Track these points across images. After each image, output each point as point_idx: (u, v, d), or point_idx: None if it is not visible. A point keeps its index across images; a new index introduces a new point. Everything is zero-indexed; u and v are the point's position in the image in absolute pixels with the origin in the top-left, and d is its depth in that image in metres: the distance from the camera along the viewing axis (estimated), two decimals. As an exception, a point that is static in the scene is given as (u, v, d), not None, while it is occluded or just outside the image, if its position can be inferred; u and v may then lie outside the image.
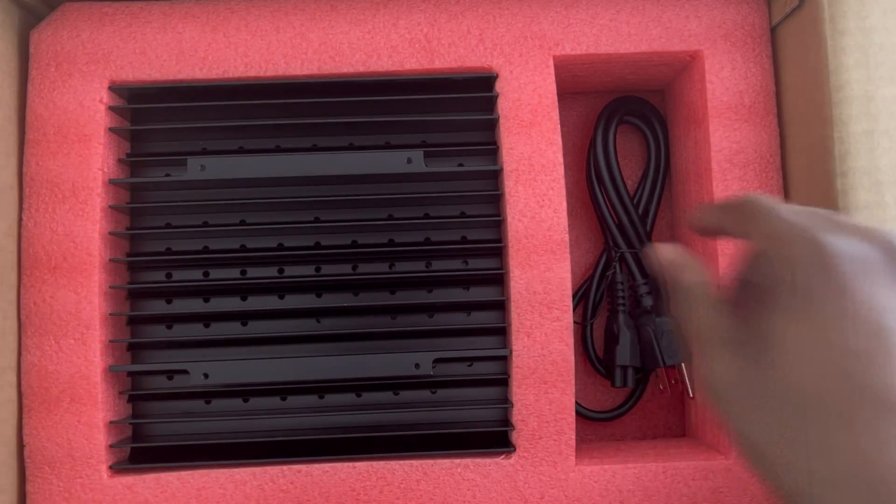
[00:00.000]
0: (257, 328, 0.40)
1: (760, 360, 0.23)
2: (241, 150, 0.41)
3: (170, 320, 0.40)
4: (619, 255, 0.43)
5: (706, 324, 0.26)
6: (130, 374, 0.39)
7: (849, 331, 0.21)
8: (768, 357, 0.23)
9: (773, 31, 0.39)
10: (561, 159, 0.38)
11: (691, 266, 0.27)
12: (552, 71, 0.38)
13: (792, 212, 0.24)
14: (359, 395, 0.40)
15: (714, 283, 0.27)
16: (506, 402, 0.39)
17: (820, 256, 0.22)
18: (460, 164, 0.40)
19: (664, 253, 0.28)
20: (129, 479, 0.36)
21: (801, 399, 0.22)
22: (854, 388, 0.21)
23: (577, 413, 0.42)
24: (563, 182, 0.38)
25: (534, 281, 0.37)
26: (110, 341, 0.37)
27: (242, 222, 0.40)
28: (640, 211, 0.43)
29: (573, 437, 0.37)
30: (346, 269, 0.40)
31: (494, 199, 0.40)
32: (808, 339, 0.22)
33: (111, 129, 0.38)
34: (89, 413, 0.36)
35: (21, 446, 0.36)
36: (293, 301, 0.40)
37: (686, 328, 0.26)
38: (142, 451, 0.38)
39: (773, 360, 0.23)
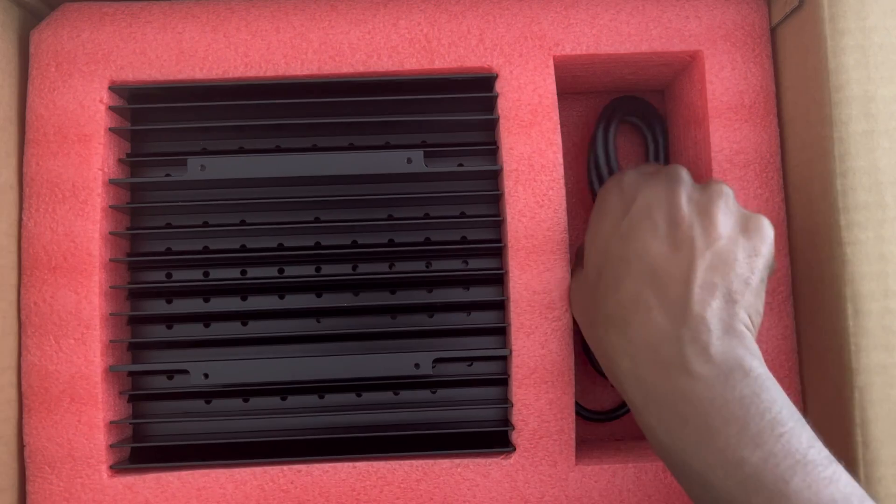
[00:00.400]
0: (257, 328, 0.40)
1: (580, 266, 0.35)
2: (241, 150, 0.41)
3: (170, 320, 0.40)
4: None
5: (574, 269, 0.37)
6: (131, 373, 0.39)
7: (622, 221, 0.32)
8: (583, 260, 0.34)
9: (772, 31, 0.39)
10: (561, 159, 0.38)
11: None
12: (552, 71, 0.38)
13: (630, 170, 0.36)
14: (359, 395, 0.40)
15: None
16: (506, 401, 0.39)
17: (616, 177, 0.35)
18: (460, 164, 0.40)
19: None
20: (130, 479, 0.36)
21: (595, 274, 0.33)
22: (620, 258, 0.31)
23: (577, 413, 0.42)
24: (562, 182, 0.38)
25: (534, 281, 0.37)
26: (110, 341, 0.37)
27: (242, 222, 0.40)
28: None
29: (573, 436, 0.37)
30: (346, 269, 0.40)
31: (494, 199, 0.40)
32: (600, 232, 0.33)
33: (111, 129, 0.38)
34: (89, 413, 0.36)
35: (21, 446, 0.36)
36: (293, 301, 0.40)
37: None
38: (142, 451, 0.38)
39: (583, 260, 0.34)
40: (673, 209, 0.31)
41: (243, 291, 0.40)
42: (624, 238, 0.32)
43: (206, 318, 0.40)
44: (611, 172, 0.43)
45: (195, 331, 0.40)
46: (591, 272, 0.34)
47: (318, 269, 0.40)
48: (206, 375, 0.37)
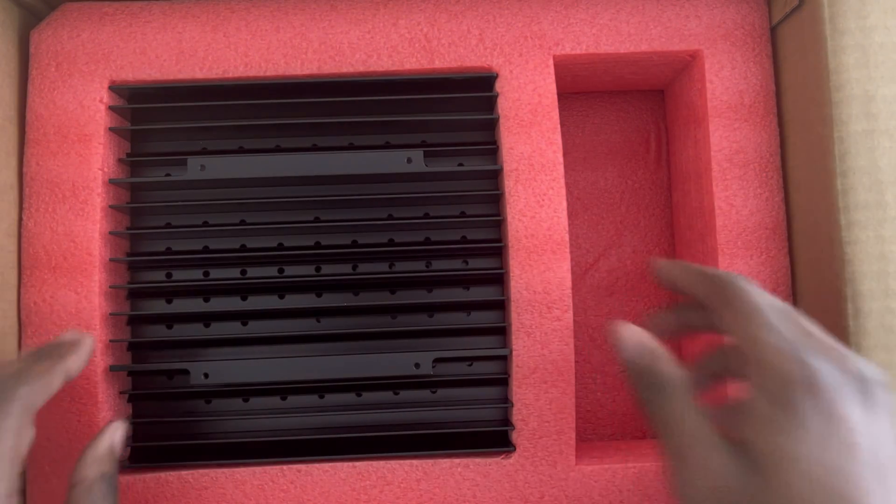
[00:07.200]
0: (257, 328, 0.40)
1: (753, 471, 0.24)
2: (241, 150, 0.41)
3: (170, 320, 0.40)
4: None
5: (689, 424, 0.25)
6: (130, 373, 0.39)
7: (834, 450, 0.23)
8: (762, 469, 0.23)
9: (772, 30, 0.39)
10: (561, 159, 0.38)
11: (664, 356, 0.27)
12: (552, 70, 0.38)
13: (778, 321, 0.25)
14: (359, 395, 0.40)
15: (690, 379, 0.27)
16: (506, 401, 0.39)
17: (809, 378, 0.24)
18: (460, 164, 0.40)
19: (631, 335, 0.28)
20: (129, 479, 0.36)
21: None
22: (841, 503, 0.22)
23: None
24: (563, 182, 0.38)
25: (534, 281, 0.37)
26: (110, 341, 0.37)
27: (242, 222, 0.40)
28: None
29: (573, 436, 0.37)
30: (346, 268, 0.40)
31: (494, 199, 0.40)
32: (804, 456, 0.23)
33: (111, 129, 0.38)
34: (89, 413, 0.36)
35: (21, 446, 0.36)
36: (293, 301, 0.40)
37: (662, 424, 0.26)
38: (142, 450, 0.38)
39: (769, 474, 0.23)
40: (878, 455, 0.23)
41: (243, 291, 0.40)
42: (856, 487, 0.23)
43: (206, 318, 0.40)
44: None
45: (195, 331, 0.40)
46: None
47: (318, 269, 0.40)
48: (206, 375, 0.37)
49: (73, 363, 0.31)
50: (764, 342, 0.25)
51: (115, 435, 0.32)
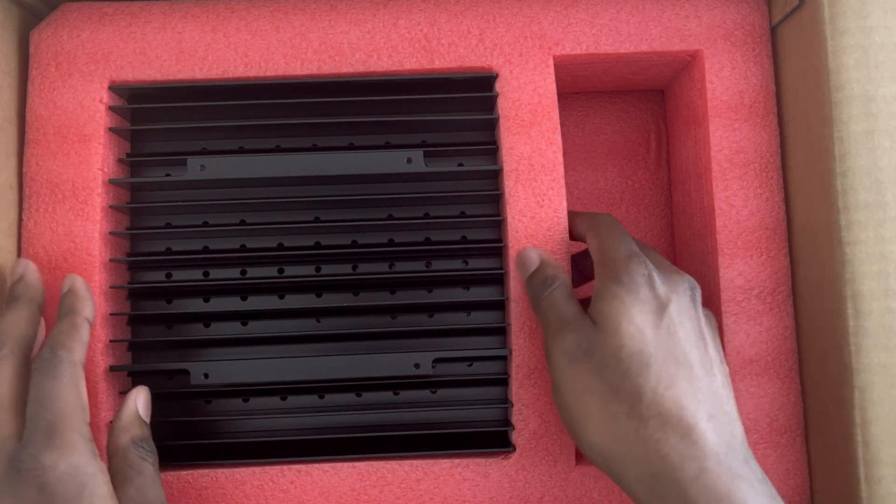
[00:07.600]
0: (257, 328, 0.40)
1: (597, 329, 0.32)
2: (241, 150, 0.41)
3: (170, 320, 0.40)
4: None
5: (562, 307, 0.34)
6: (131, 373, 0.39)
7: (667, 318, 0.32)
8: (602, 325, 0.32)
9: (773, 30, 0.39)
10: (561, 159, 0.38)
11: (550, 262, 0.37)
12: (552, 71, 0.38)
13: (628, 240, 0.34)
14: (359, 395, 0.40)
15: (568, 279, 0.36)
16: (506, 401, 0.39)
17: (648, 274, 0.33)
18: (460, 164, 0.40)
19: (528, 252, 0.37)
20: (129, 479, 0.36)
21: (638, 360, 0.31)
22: (668, 356, 0.31)
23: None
24: (563, 182, 0.38)
25: (534, 281, 0.37)
26: (111, 341, 0.37)
27: (242, 222, 0.40)
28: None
29: (573, 436, 0.37)
30: (346, 269, 0.40)
31: (494, 199, 0.40)
32: (636, 314, 0.32)
33: (111, 129, 0.38)
34: (90, 413, 0.36)
35: (21, 446, 0.36)
36: (293, 301, 0.40)
37: (543, 309, 0.35)
38: (142, 450, 0.38)
39: (607, 328, 0.32)
40: (700, 330, 0.33)
41: (243, 291, 0.40)
42: (670, 337, 0.32)
43: (206, 318, 0.40)
44: None
45: (195, 331, 0.40)
46: (641, 353, 0.31)
47: (318, 269, 0.40)
48: (206, 375, 0.37)
49: (88, 310, 0.34)
50: (615, 249, 0.34)
51: (136, 400, 0.34)
